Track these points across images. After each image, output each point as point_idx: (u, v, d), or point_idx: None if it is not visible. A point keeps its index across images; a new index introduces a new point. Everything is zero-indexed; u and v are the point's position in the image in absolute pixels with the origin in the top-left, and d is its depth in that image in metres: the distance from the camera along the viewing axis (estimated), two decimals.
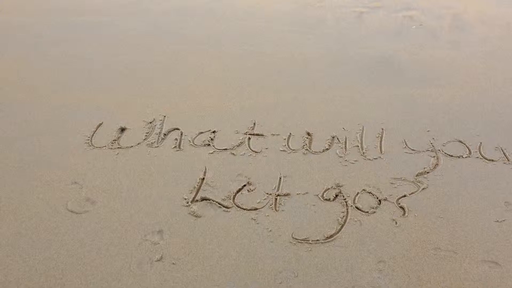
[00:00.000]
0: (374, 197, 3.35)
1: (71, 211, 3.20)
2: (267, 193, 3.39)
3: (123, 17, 7.40)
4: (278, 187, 3.46)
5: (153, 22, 7.20)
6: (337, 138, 4.06)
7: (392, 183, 3.50)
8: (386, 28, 7.05)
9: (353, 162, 3.75)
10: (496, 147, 3.94)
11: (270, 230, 3.05)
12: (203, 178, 3.54)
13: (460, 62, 5.77)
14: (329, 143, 4.00)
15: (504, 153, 3.85)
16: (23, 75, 5.30)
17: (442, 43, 6.44)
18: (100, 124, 4.25)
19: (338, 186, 3.45)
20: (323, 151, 3.91)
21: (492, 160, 3.77)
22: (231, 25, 7.13)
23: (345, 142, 4.01)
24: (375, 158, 3.80)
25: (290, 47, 6.25)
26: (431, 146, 3.96)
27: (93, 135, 4.10)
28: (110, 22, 7.16)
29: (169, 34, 6.70)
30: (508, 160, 3.76)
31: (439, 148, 3.92)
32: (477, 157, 3.81)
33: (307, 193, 3.40)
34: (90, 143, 3.98)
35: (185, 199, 3.32)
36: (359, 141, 4.03)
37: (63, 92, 4.88)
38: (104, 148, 3.92)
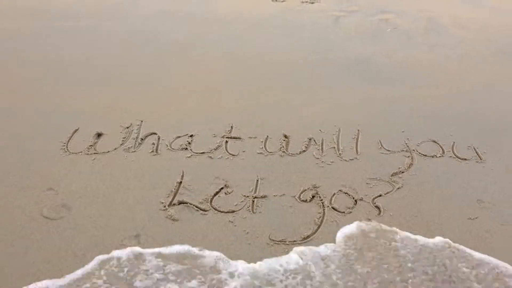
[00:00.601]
0: (350, 197, 3.40)
1: (47, 217, 3.17)
2: (244, 196, 3.41)
3: (103, 21, 7.34)
4: (255, 189, 3.48)
5: (134, 26, 7.16)
6: (314, 140, 4.11)
7: (367, 183, 3.55)
8: (363, 32, 7.14)
9: (330, 163, 3.80)
10: (469, 146, 4.03)
11: (247, 232, 3.07)
12: (181, 182, 3.54)
13: (435, 64, 5.88)
14: (306, 145, 4.03)
15: (476, 152, 3.94)
16: (0, 80, 5.24)
17: (418, 46, 6.55)
18: (76, 130, 4.21)
19: (314, 187, 3.49)
20: (300, 153, 3.94)
21: (465, 159, 3.85)
22: (212, 29, 7.14)
23: (322, 144, 4.05)
24: (351, 159, 3.86)
25: (271, 50, 6.29)
26: (406, 146, 4.03)
27: (69, 140, 4.06)
28: (90, 26, 7.10)
29: (149, 38, 6.68)
30: (481, 159, 3.85)
31: (414, 148, 3.99)
32: (451, 156, 3.89)
33: (284, 194, 3.43)
34: (66, 148, 3.94)
35: (162, 203, 3.32)
36: (336, 143, 4.08)
37: (40, 97, 4.82)
38: (80, 154, 3.89)
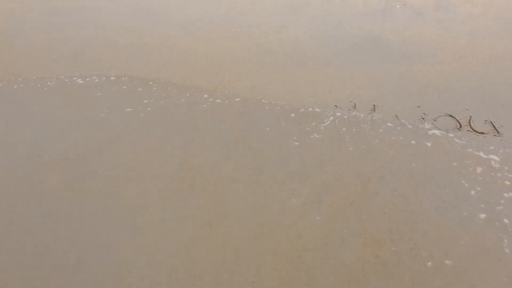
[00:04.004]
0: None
1: None
2: None
3: (107, 1, 7.30)
4: None
5: (138, 5, 7.11)
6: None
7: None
8: (371, 9, 7.10)
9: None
10: (486, 120, 4.04)
11: None
12: None
13: (446, 40, 5.86)
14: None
15: (493, 126, 3.95)
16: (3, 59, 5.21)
17: (428, 22, 6.52)
18: None
19: None
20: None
21: (483, 133, 3.87)
22: (216, 7, 7.08)
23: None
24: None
25: (278, 29, 6.26)
26: (423, 120, 4.04)
27: None
28: (94, 6, 7.05)
29: (155, 16, 6.64)
30: (498, 132, 3.86)
31: (431, 123, 4.01)
32: (468, 130, 3.91)
33: None
34: None
35: None
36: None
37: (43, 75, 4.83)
38: None
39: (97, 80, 4.57)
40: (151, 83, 4.59)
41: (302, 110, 4.20)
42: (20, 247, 2.73)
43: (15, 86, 4.41)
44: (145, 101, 4.25)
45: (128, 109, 4.08)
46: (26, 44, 5.43)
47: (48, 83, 4.50)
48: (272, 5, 7.18)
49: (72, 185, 3.20)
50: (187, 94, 4.42)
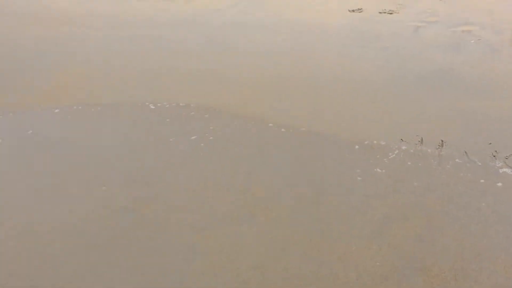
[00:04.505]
0: None
1: None
2: None
3: (175, 30, 7.69)
4: None
5: (207, 35, 7.45)
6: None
7: None
8: (444, 42, 6.98)
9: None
10: None
11: None
12: None
13: None
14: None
15: None
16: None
17: (503, 57, 6.31)
18: None
19: None
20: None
21: None
22: (282, 36, 7.28)
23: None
24: None
25: (348, 60, 6.32)
26: (494, 158, 3.91)
27: None
28: (164, 35, 7.44)
29: (223, 45, 6.93)
30: None
31: (503, 161, 3.87)
32: None
33: None
34: None
35: None
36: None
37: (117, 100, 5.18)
38: None
39: (167, 106, 4.84)
40: (217, 110, 4.79)
41: (366, 142, 4.20)
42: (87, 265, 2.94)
43: (92, 110, 4.77)
44: (211, 127, 4.44)
45: (194, 136, 4.28)
46: (101, 71, 5.86)
47: (122, 108, 4.83)
48: (340, 37, 7.27)
49: (136, 207, 3.41)
50: (252, 123, 4.56)
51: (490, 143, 4.13)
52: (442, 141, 4.20)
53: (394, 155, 4.00)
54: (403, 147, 4.10)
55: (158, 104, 4.86)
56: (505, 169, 3.75)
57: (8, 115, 4.70)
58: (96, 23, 8.09)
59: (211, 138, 4.27)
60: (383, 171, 3.77)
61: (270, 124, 4.54)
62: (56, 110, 4.72)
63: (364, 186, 3.59)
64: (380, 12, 8.64)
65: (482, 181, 3.61)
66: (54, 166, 3.87)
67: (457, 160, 3.90)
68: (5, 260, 2.94)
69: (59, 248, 3.02)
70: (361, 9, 8.82)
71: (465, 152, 4.00)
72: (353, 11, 8.80)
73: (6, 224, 3.24)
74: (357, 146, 4.14)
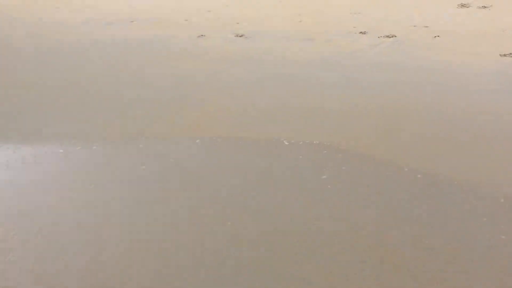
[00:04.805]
0: None
1: None
2: None
3: (313, 69, 7.79)
4: None
5: (347, 75, 7.44)
6: None
7: None
8: None
9: None
10: None
11: None
12: None
13: None
14: None
15: None
16: None
17: None
18: None
19: None
20: None
21: None
22: (428, 82, 6.96)
23: None
24: None
25: (501, 112, 5.81)
26: None
27: None
28: (301, 74, 7.57)
29: (361, 87, 6.84)
30: None
31: None
32: None
33: None
34: None
35: None
36: None
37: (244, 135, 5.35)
38: None
39: (301, 143, 4.90)
40: (351, 152, 4.72)
41: None
42: None
43: (230, 142, 4.99)
44: (343, 168, 4.38)
45: (324, 176, 4.24)
46: (243, 105, 6.14)
47: (258, 142, 5.00)
48: (492, 82, 6.74)
49: (262, 240, 3.45)
50: (387, 166, 4.40)
51: None
52: None
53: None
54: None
55: (292, 141, 4.95)
56: None
57: (154, 142, 5.11)
58: (247, 63, 8.56)
59: (341, 179, 4.20)
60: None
61: (406, 169, 4.34)
62: (197, 141, 5.05)
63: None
64: None
65: None
66: (188, 195, 4.04)
67: None
68: None
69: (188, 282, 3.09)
70: None
71: None
72: (504, 55, 8.14)
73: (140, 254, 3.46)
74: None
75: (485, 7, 10.33)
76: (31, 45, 9.27)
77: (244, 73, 7.70)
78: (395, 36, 9.17)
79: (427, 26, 9.56)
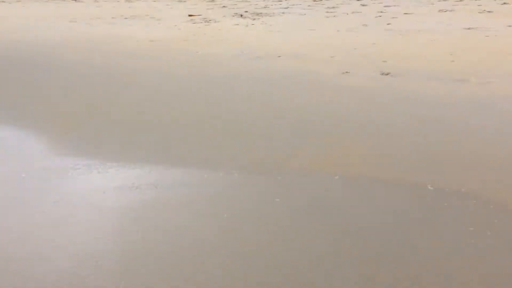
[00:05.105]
0: None
1: None
2: None
3: (465, 113, 7.27)
4: None
5: (500, 120, 6.82)
6: None
7: None
8: None
9: None
10: None
11: None
12: None
13: None
14: None
15: None
16: None
17: None
18: None
19: None
20: None
21: None
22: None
23: None
24: None
25: None
26: None
27: None
28: (453, 117, 7.12)
29: None
30: None
31: None
32: None
33: None
34: None
35: None
36: None
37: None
38: None
39: (447, 190, 4.58)
40: (503, 203, 4.32)
41: None
42: None
43: (369, 183, 4.85)
44: (495, 221, 4.00)
45: (472, 228, 3.91)
46: (385, 145, 5.96)
47: (400, 185, 4.81)
48: None
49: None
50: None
51: None
52: None
53: None
54: None
55: (437, 187, 4.69)
56: None
57: (291, 175, 5.18)
58: (392, 103, 8.38)
59: (490, 234, 3.84)
60: None
61: None
62: (336, 177, 5.04)
63: None
64: None
65: None
66: (316, 233, 3.98)
67: None
68: None
69: None
70: None
71: None
72: None
73: None
74: None
75: None
76: (188, 76, 10.10)
77: (388, 114, 7.51)
78: None
79: None
